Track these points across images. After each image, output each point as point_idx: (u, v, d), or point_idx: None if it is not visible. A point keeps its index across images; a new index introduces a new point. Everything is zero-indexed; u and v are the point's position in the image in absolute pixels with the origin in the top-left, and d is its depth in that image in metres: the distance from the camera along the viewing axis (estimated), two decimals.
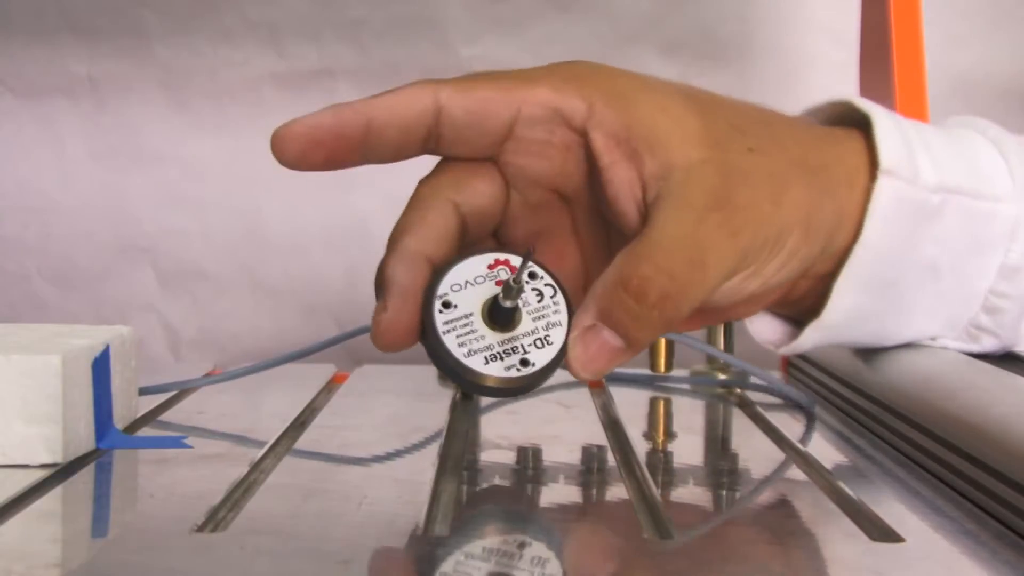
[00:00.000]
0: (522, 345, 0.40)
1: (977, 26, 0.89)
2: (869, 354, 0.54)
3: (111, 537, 0.38)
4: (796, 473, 0.46)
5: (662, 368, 0.65)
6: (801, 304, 0.48)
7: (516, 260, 0.42)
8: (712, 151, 0.42)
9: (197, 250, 0.92)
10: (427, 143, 0.43)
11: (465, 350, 0.40)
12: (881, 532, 0.38)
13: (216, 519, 0.38)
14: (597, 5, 0.89)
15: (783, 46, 0.90)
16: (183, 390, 0.58)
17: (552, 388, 0.63)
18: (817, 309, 0.48)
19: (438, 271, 0.41)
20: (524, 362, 0.40)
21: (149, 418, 0.53)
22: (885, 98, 0.68)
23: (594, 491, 0.43)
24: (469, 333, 0.40)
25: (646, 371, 0.65)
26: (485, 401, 0.59)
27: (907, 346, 0.52)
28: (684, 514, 0.41)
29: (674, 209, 0.41)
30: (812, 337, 0.48)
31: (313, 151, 0.42)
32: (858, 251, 0.45)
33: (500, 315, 0.40)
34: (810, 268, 0.46)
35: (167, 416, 0.54)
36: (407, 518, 0.38)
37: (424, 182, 0.44)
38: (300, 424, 0.53)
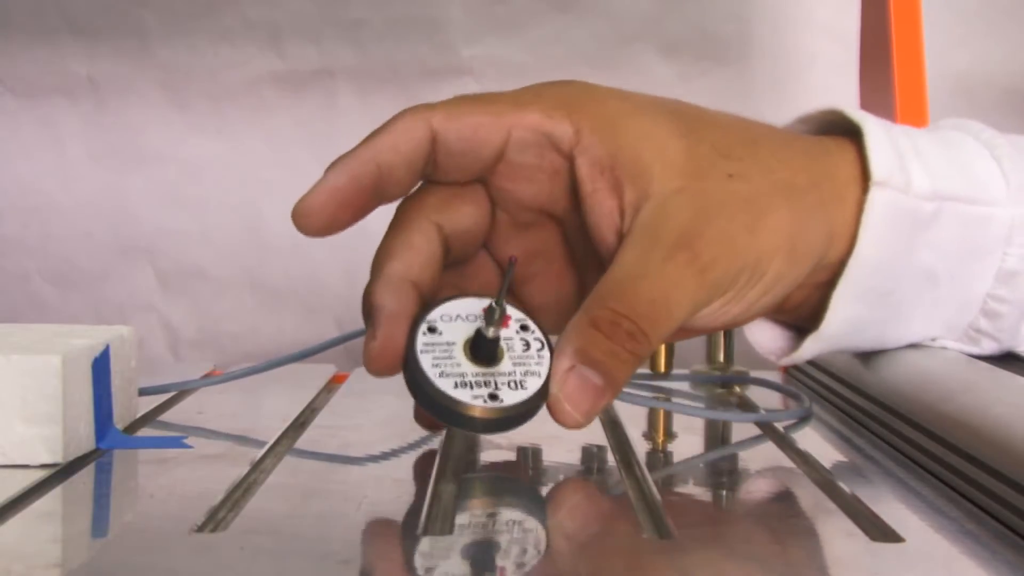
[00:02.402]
0: (496, 381, 0.40)
1: (977, 26, 0.89)
2: (868, 354, 0.53)
3: (111, 537, 0.38)
4: (796, 473, 0.46)
5: (662, 368, 0.65)
6: (798, 312, 0.48)
7: (514, 313, 0.42)
8: (690, 180, 0.42)
9: (197, 250, 0.92)
10: (425, 171, 0.43)
11: (438, 371, 0.40)
12: (881, 532, 0.38)
13: (216, 519, 0.38)
14: (597, 5, 0.89)
15: (783, 46, 0.90)
16: (183, 390, 0.58)
17: None
18: (815, 316, 0.48)
19: (433, 302, 0.42)
20: (493, 396, 0.40)
21: (149, 418, 0.53)
22: (885, 99, 0.68)
23: (594, 491, 0.43)
24: (447, 359, 0.40)
25: (646, 371, 0.65)
26: None
27: (907, 346, 0.52)
28: (684, 514, 0.41)
29: (640, 247, 0.41)
30: (811, 348, 0.48)
31: (341, 214, 0.42)
32: (853, 264, 0.45)
33: (481, 348, 0.40)
34: (803, 283, 0.46)
35: (167, 416, 0.54)
36: (407, 518, 0.38)
37: (407, 202, 0.44)
38: (300, 424, 0.53)
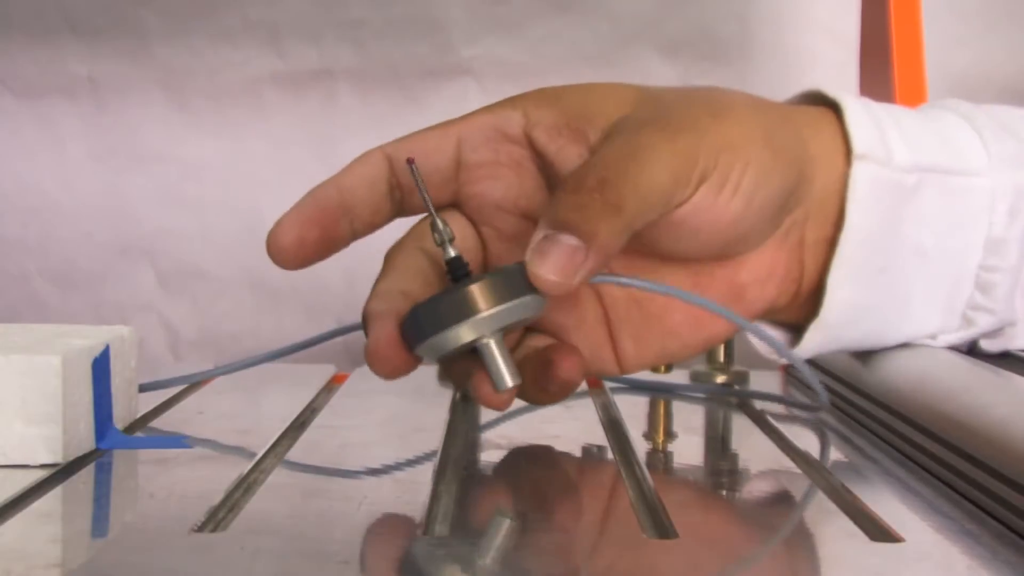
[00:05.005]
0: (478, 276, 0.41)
1: (976, 26, 0.89)
2: (869, 354, 0.54)
3: (111, 537, 0.38)
4: (796, 473, 0.46)
5: (662, 368, 0.65)
6: (797, 303, 0.48)
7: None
8: (650, 102, 0.44)
9: (197, 250, 0.92)
10: (393, 197, 0.45)
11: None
12: (881, 532, 0.38)
13: (216, 519, 0.38)
14: (597, 5, 0.89)
15: (783, 46, 0.90)
16: (183, 390, 0.58)
17: None
18: (813, 314, 0.48)
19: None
20: (479, 278, 0.40)
21: (149, 418, 0.53)
22: (885, 99, 0.68)
23: (594, 491, 0.43)
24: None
25: (646, 371, 0.65)
26: None
27: (907, 346, 0.52)
28: (684, 514, 0.41)
29: (613, 133, 0.42)
30: (814, 339, 0.48)
31: (308, 232, 0.43)
32: (844, 239, 0.46)
33: (454, 270, 0.41)
34: (804, 235, 0.46)
35: (167, 416, 0.54)
36: (407, 518, 0.38)
37: (391, 248, 0.45)
38: (300, 424, 0.53)
